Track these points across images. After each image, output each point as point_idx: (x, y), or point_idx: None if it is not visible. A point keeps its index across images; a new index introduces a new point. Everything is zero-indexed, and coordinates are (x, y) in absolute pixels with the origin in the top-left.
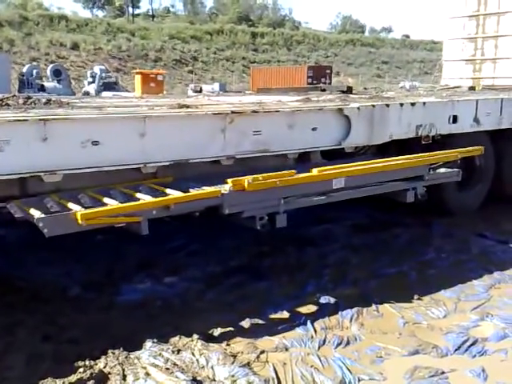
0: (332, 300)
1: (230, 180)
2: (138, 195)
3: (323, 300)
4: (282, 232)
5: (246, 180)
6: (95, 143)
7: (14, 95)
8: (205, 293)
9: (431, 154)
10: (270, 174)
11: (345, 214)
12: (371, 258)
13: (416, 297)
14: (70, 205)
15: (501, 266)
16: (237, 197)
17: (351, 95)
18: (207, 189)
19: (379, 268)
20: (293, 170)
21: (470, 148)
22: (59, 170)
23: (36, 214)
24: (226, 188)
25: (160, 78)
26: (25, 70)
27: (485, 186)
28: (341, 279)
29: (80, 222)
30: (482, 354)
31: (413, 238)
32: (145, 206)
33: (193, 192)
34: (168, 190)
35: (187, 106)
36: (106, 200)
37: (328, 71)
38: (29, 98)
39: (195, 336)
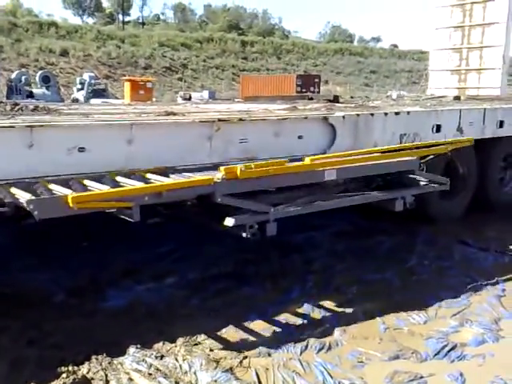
0: (315, 306)
1: (222, 168)
2: (130, 182)
3: (306, 306)
4: (267, 239)
5: (239, 168)
6: (81, 150)
7: (2, 102)
8: (189, 299)
9: (422, 144)
10: (262, 162)
11: (329, 221)
12: (355, 265)
13: (397, 303)
14: (61, 189)
15: (482, 273)
16: (229, 185)
17: (337, 104)
18: (199, 177)
19: (362, 274)
20: (285, 159)
21: (461, 139)
22: (45, 176)
23: (26, 196)
24: (218, 176)
25: (149, 85)
26: (13, 76)
27: (468, 193)
28: (324, 285)
29: (71, 205)
30: (461, 359)
31: (396, 244)
32: (137, 192)
33: (185, 179)
34: (160, 178)
35: (174, 114)
36: (97, 186)
37: (316, 80)
38: (16, 104)
39: (179, 341)
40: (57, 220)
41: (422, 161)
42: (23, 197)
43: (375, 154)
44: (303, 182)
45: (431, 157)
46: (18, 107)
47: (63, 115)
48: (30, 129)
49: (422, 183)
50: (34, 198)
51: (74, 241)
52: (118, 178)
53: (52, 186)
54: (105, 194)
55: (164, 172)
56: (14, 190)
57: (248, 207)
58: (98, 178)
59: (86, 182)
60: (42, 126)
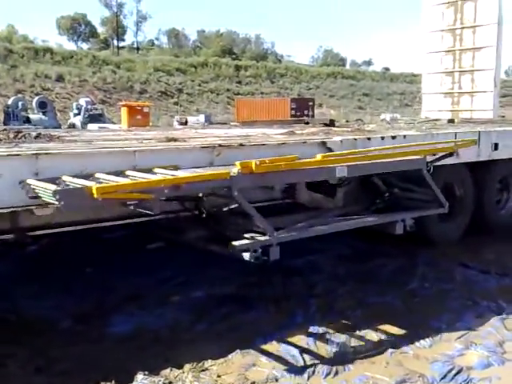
0: (320, 330)
1: (238, 162)
2: (151, 176)
3: (312, 330)
4: (269, 262)
5: (254, 162)
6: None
7: (5, 129)
8: (194, 324)
9: (429, 143)
10: (276, 158)
11: (330, 244)
12: (356, 288)
13: (402, 326)
14: (84, 182)
15: (484, 296)
16: (245, 179)
17: (334, 128)
18: (217, 170)
19: (365, 298)
20: (296, 155)
21: (465, 139)
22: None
23: (52, 187)
24: (234, 170)
25: (146, 110)
26: (10, 102)
27: (466, 216)
28: (328, 309)
29: (96, 195)
30: (468, 383)
31: (397, 267)
32: (158, 183)
33: (203, 172)
34: (179, 172)
35: (175, 139)
36: (119, 179)
37: (310, 103)
38: (19, 132)
39: (186, 367)
40: (61, 246)
41: (429, 160)
42: (49, 188)
43: (384, 152)
44: (315, 179)
45: (440, 155)
46: (21, 135)
47: (66, 142)
48: (36, 157)
49: (421, 206)
50: (59, 188)
51: (78, 267)
52: (136, 173)
53: (74, 180)
54: (127, 185)
55: (177, 169)
56: (37, 182)
57: (256, 216)
58: (120, 172)
59: (106, 176)
60: (47, 153)
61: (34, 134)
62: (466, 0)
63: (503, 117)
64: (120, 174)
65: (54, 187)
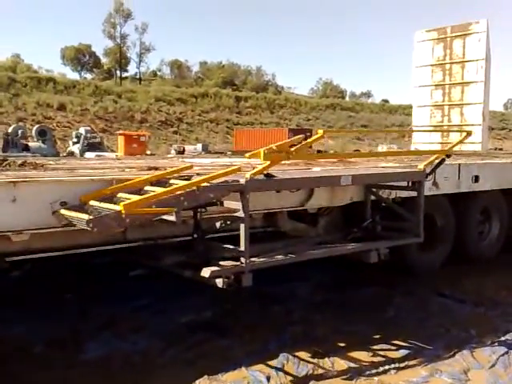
0: (290, 357)
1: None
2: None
3: (282, 356)
4: (247, 289)
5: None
6: (63, 204)
7: None
8: (166, 350)
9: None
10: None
11: (309, 272)
12: (333, 316)
13: (373, 353)
14: (109, 205)
15: (456, 324)
16: (258, 183)
17: (318, 159)
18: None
19: (340, 325)
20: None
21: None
22: (26, 229)
23: (84, 216)
24: (247, 176)
25: (143, 138)
26: (10, 130)
27: (446, 246)
28: (302, 336)
29: (123, 211)
30: None
31: (375, 296)
32: (178, 190)
33: (219, 171)
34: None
35: (156, 169)
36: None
37: (308, 134)
38: (4, 160)
39: None
40: (40, 272)
41: (427, 172)
42: (82, 218)
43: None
44: (322, 186)
45: (437, 161)
46: (6, 163)
47: (49, 170)
48: (14, 184)
49: (396, 235)
50: (91, 217)
51: (55, 293)
52: (155, 188)
53: (102, 204)
54: (152, 197)
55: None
56: (69, 212)
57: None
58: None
59: (128, 195)
60: (24, 181)
61: (19, 162)
62: (455, 37)
63: (501, 149)
64: (139, 192)
65: (86, 216)
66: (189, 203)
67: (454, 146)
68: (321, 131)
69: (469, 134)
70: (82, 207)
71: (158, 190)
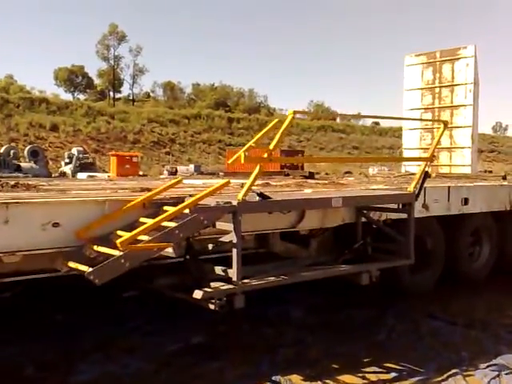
0: (282, 379)
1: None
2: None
3: (274, 379)
4: (239, 312)
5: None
6: (56, 225)
7: None
8: (158, 373)
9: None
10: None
11: (302, 294)
12: (325, 338)
13: (360, 376)
14: (107, 250)
15: (447, 347)
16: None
17: (309, 181)
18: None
19: (332, 348)
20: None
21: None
22: (19, 251)
23: (84, 268)
24: (239, 197)
25: (135, 159)
26: (2, 150)
27: (437, 268)
28: (294, 358)
29: (121, 248)
30: None
31: (367, 318)
32: (178, 211)
33: (209, 189)
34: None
35: (149, 190)
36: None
37: (300, 155)
38: None
39: None
40: (31, 293)
41: (417, 192)
42: (83, 270)
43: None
44: (314, 207)
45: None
46: None
47: (41, 191)
48: (6, 206)
49: (387, 257)
50: (91, 269)
51: (46, 314)
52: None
53: (99, 249)
54: (146, 228)
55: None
56: (72, 264)
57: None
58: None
59: (123, 232)
60: (17, 202)
61: (12, 183)
62: (443, 61)
63: (490, 171)
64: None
65: (86, 268)
66: (184, 234)
67: (436, 145)
68: (291, 111)
69: (445, 125)
70: (80, 251)
71: (150, 221)
